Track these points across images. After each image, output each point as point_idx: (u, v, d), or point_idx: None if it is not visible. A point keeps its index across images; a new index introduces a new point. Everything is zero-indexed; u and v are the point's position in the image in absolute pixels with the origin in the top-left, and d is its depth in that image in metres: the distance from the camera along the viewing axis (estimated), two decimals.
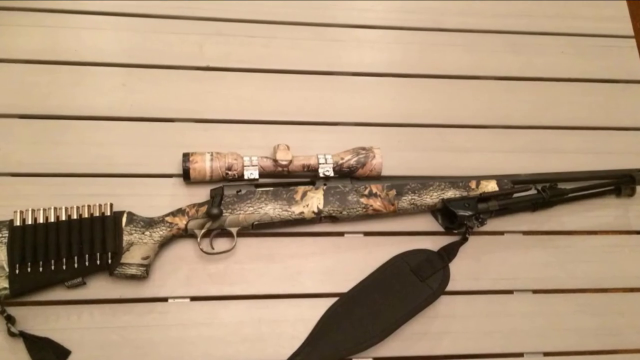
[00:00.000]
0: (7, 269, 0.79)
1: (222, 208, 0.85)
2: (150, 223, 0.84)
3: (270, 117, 1.01)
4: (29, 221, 0.81)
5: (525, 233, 0.99)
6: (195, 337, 0.84)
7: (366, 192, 0.90)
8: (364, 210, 0.90)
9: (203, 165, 0.87)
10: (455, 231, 0.95)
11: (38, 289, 0.82)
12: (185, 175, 0.88)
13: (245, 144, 0.96)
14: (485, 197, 0.92)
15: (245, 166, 0.88)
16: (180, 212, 0.86)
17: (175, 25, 1.06)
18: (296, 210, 0.88)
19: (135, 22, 1.05)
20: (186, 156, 0.88)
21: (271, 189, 0.89)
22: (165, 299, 0.86)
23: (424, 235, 0.95)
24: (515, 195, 0.95)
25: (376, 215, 0.92)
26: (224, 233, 0.88)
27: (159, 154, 0.94)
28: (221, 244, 0.89)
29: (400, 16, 1.15)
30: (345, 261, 0.91)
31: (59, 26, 1.02)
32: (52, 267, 0.80)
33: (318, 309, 0.87)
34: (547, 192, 0.96)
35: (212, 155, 0.88)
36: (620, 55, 1.17)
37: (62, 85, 0.98)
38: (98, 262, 0.82)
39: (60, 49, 1.01)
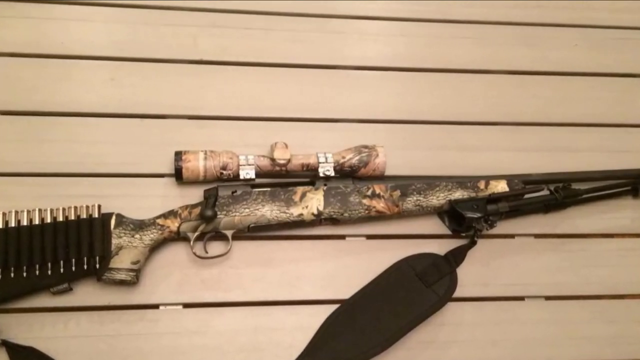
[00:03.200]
0: None
1: (216, 210, 0.85)
2: (140, 225, 0.84)
3: (268, 114, 1.01)
4: (12, 223, 0.80)
5: (537, 236, 0.98)
6: (188, 346, 0.83)
7: (369, 193, 0.90)
8: (367, 212, 0.89)
9: (196, 164, 0.87)
10: (463, 234, 0.95)
11: (22, 295, 0.81)
12: (178, 175, 0.87)
13: (241, 142, 0.95)
14: (494, 198, 0.92)
15: (241, 165, 0.88)
16: (172, 214, 0.85)
17: (168, 17, 1.06)
18: (295, 212, 0.87)
19: (126, 14, 1.05)
20: (178, 155, 0.87)
21: (268, 189, 0.88)
22: (156, 306, 0.85)
23: (429, 239, 0.95)
24: (527, 196, 0.94)
25: (379, 217, 0.91)
26: (219, 236, 0.87)
27: (150, 152, 0.94)
28: (215, 247, 0.88)
29: (405, 7, 1.15)
30: (347, 266, 0.91)
31: (45, 17, 1.02)
32: (37, 272, 0.79)
33: (318, 316, 0.86)
34: (560, 192, 0.96)
35: (205, 153, 0.87)
36: (637, 47, 1.17)
37: (48, 80, 0.97)
38: (85, 266, 0.81)
39: (46, 42, 1.00)
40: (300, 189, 0.89)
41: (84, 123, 0.95)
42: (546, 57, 1.14)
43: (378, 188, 0.90)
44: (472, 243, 0.91)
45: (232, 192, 0.87)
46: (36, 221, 0.81)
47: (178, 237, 0.86)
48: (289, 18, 1.09)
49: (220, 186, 0.88)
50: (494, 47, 1.13)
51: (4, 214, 0.81)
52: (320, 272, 0.90)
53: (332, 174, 0.90)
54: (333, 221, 0.90)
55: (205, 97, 1.00)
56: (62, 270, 0.80)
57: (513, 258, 0.95)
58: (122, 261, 0.81)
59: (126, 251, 0.82)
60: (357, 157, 0.90)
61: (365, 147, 0.91)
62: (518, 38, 1.15)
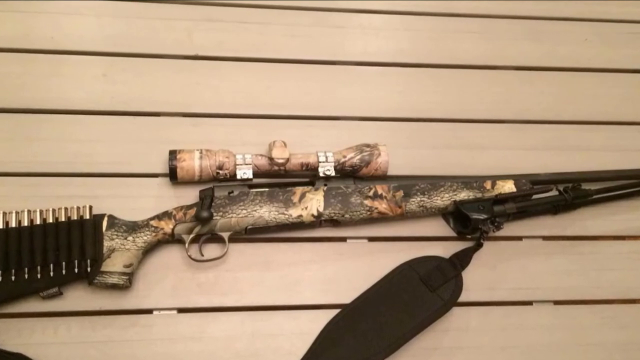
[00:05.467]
0: None
1: (212, 211, 0.85)
2: (133, 227, 0.84)
3: (266, 111, 1.01)
4: (0, 225, 0.80)
5: (545, 238, 0.98)
6: (183, 353, 0.83)
7: (371, 194, 0.90)
8: (369, 213, 0.90)
9: (191, 163, 0.87)
10: (469, 236, 0.95)
11: (10, 300, 0.81)
12: (172, 175, 0.87)
13: (238, 141, 0.96)
14: (501, 199, 0.92)
15: (238, 165, 0.88)
16: (166, 215, 0.85)
17: (162, 10, 1.06)
18: (294, 213, 0.87)
19: (118, 7, 1.05)
20: (173, 154, 0.87)
21: (266, 190, 0.88)
22: (149, 311, 0.85)
23: (434, 241, 0.95)
24: (535, 196, 0.94)
25: (382, 218, 0.91)
26: (215, 238, 0.88)
27: (143, 151, 0.94)
28: (211, 250, 0.88)
29: (408, 0, 1.15)
30: (348, 269, 0.91)
31: (34, 11, 1.02)
32: (26, 276, 0.79)
33: (318, 321, 0.86)
34: (569, 193, 0.96)
35: (201, 152, 0.88)
36: None
37: (37, 76, 0.97)
38: (76, 270, 0.81)
39: (35, 36, 1.00)
40: (299, 190, 0.89)
41: (74, 121, 0.95)
42: (555, 52, 1.14)
43: (380, 188, 0.90)
44: (478, 245, 0.91)
45: (229, 193, 0.87)
46: (25, 223, 0.81)
47: (172, 239, 0.86)
48: (288, 12, 1.10)
49: (217, 186, 0.88)
50: (500, 42, 1.13)
51: None
52: (320, 276, 0.90)
53: (333, 173, 0.90)
54: (333, 223, 0.90)
55: (201, 94, 1.00)
56: (52, 273, 0.80)
57: (520, 261, 0.96)
58: (114, 264, 0.82)
59: (119, 254, 0.82)
60: (358, 156, 0.91)
61: (367, 145, 0.92)
62: (526, 32, 1.15)
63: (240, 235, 0.89)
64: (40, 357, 0.80)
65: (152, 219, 0.85)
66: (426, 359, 0.87)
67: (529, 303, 0.93)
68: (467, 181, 0.93)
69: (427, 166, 1.00)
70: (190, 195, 0.90)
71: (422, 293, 0.87)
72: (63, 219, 0.82)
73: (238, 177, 0.88)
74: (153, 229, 0.84)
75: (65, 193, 0.89)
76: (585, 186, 0.97)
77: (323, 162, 0.90)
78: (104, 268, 0.81)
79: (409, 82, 1.08)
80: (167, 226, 0.84)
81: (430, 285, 0.88)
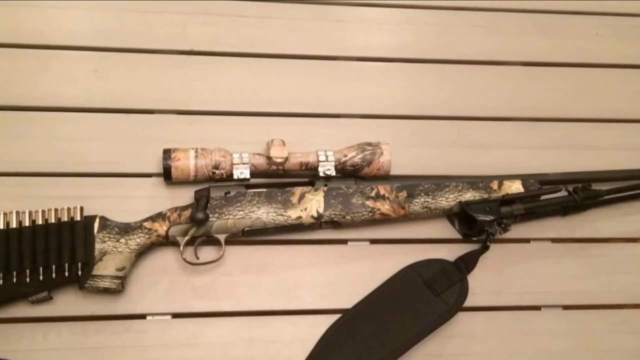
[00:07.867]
0: None
1: (208, 212, 0.85)
2: (126, 229, 0.84)
3: (264, 109, 1.01)
4: None
5: (554, 240, 0.98)
6: (177, 359, 0.84)
7: (373, 194, 0.90)
8: (370, 214, 0.90)
9: (186, 163, 0.87)
10: (475, 238, 0.95)
11: None
12: (166, 175, 0.87)
13: (234, 139, 0.96)
14: (508, 200, 0.92)
15: (235, 164, 0.88)
16: (160, 216, 0.85)
17: (156, 4, 1.06)
18: (293, 214, 0.87)
19: (110, 1, 1.05)
20: (167, 153, 0.87)
21: (264, 190, 0.88)
22: (143, 316, 0.85)
23: (438, 243, 0.95)
24: (543, 197, 0.94)
25: (384, 220, 0.91)
26: (211, 241, 0.87)
27: (137, 150, 0.94)
28: (207, 253, 0.88)
29: None
30: (349, 273, 0.91)
31: (23, 5, 1.02)
32: (14, 280, 0.80)
33: (318, 327, 0.86)
34: (579, 193, 0.96)
35: (196, 151, 0.88)
36: None
37: (25, 72, 0.97)
38: (66, 274, 0.81)
39: (24, 31, 1.00)
40: (298, 190, 0.89)
41: (65, 118, 0.95)
42: (564, 47, 1.14)
43: (383, 189, 0.90)
44: (485, 248, 0.91)
45: (225, 193, 0.87)
46: (13, 224, 0.81)
47: (167, 241, 0.86)
48: (286, 5, 1.09)
49: (213, 187, 0.88)
50: (507, 37, 1.13)
51: None
52: (320, 280, 0.90)
53: (333, 173, 0.90)
54: (334, 224, 0.90)
55: (196, 91, 1.00)
56: (41, 277, 0.80)
57: (528, 264, 0.96)
58: (106, 268, 0.82)
59: (111, 257, 0.82)
60: (360, 156, 0.91)
61: (369, 144, 0.92)
62: (534, 27, 1.15)
63: (237, 238, 0.89)
64: None
65: (146, 220, 0.85)
66: None
67: (537, 308, 0.93)
68: (472, 181, 0.93)
69: (431, 166, 1.00)
70: (185, 196, 0.90)
71: (426, 297, 0.87)
72: (53, 221, 0.82)
73: (235, 177, 0.88)
74: (146, 230, 0.84)
75: (56, 193, 0.89)
76: (596, 186, 0.97)
77: (323, 161, 0.90)
78: (95, 271, 0.81)
79: (413, 79, 1.08)
80: (161, 228, 0.84)
81: (435, 289, 0.88)
